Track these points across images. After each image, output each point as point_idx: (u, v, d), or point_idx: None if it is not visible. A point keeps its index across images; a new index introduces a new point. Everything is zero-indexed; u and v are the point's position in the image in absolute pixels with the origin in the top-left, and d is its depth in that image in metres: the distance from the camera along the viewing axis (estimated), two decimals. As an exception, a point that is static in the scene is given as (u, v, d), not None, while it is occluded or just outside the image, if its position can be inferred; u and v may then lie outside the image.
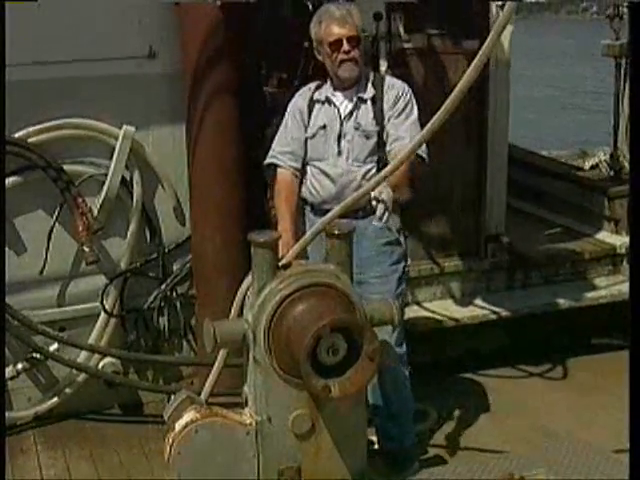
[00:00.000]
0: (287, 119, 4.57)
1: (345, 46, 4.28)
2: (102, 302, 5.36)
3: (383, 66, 5.51)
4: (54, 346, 5.25)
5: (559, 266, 6.60)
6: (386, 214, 4.04)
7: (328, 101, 4.47)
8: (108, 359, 5.41)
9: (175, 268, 5.55)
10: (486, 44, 2.64)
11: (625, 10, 7.17)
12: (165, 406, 3.60)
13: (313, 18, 4.43)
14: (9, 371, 5.24)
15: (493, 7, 5.92)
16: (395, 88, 4.45)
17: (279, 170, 4.53)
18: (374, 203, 3.96)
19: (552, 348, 6.22)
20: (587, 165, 8.77)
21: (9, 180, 5.03)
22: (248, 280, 3.45)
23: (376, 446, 4.74)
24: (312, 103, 4.51)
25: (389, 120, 4.39)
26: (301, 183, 4.54)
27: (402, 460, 4.68)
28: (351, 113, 4.42)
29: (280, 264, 3.38)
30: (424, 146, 4.29)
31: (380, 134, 4.38)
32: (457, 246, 6.33)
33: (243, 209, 5.17)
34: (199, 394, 3.71)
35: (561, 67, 35.98)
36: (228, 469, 3.35)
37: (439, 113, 2.81)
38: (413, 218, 4.74)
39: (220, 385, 3.79)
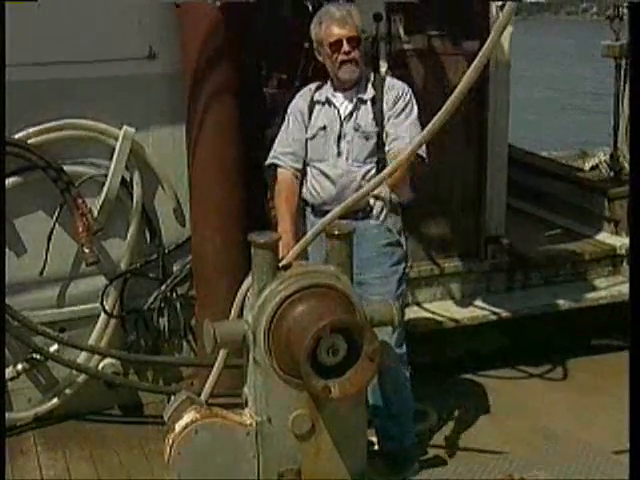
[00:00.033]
0: (288, 120, 4.58)
1: (345, 47, 4.28)
2: (102, 303, 5.36)
3: (383, 67, 5.52)
4: (54, 347, 5.25)
5: (559, 267, 6.60)
6: (384, 212, 4.05)
7: (328, 102, 4.48)
8: (108, 360, 5.41)
9: (175, 269, 5.55)
10: (486, 45, 2.64)
11: (625, 11, 7.17)
12: (165, 407, 3.59)
13: (313, 19, 4.44)
14: (9, 372, 5.24)
15: (493, 8, 5.93)
16: (395, 89, 4.45)
17: (280, 170, 4.53)
18: (372, 201, 3.97)
19: (552, 349, 6.22)
20: (587, 166, 8.76)
21: (9, 181, 5.03)
22: (248, 281, 3.46)
23: (376, 447, 4.74)
24: (312, 104, 4.52)
25: (389, 120, 4.39)
26: (302, 184, 4.54)
27: (402, 460, 4.69)
28: (351, 114, 4.42)
29: (280, 265, 3.38)
30: (423, 146, 4.29)
31: (380, 135, 4.38)
32: (457, 247, 6.33)
33: (243, 210, 5.17)
34: (199, 395, 3.71)
35: (561, 67, 35.99)
36: (228, 470, 3.35)
37: (439, 114, 2.81)
38: (413, 219, 4.73)
39: (220, 386, 3.79)
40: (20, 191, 5.10)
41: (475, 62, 2.65)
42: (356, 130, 4.39)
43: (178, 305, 5.53)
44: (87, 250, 5.16)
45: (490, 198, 6.30)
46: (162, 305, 5.50)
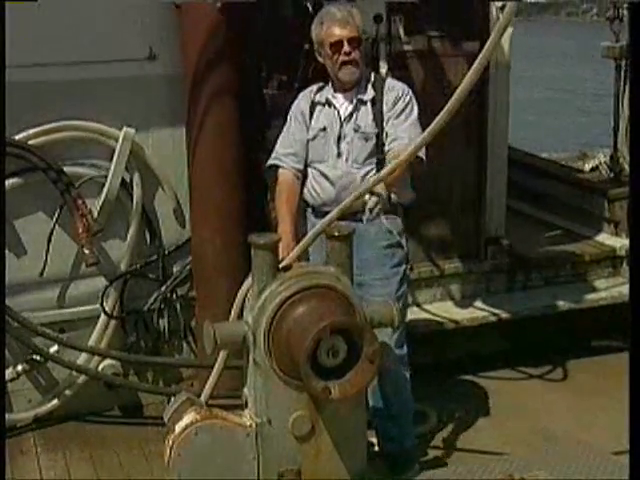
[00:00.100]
0: (289, 121, 4.58)
1: (346, 47, 4.28)
2: (102, 304, 5.36)
3: (383, 68, 5.51)
4: (54, 348, 5.25)
5: (559, 268, 6.60)
6: (377, 207, 4.05)
7: (328, 103, 4.48)
8: (108, 361, 5.41)
9: (175, 270, 5.55)
10: (486, 47, 2.64)
11: (625, 12, 7.18)
12: (165, 408, 3.59)
13: (314, 19, 4.44)
14: (9, 373, 5.23)
15: (493, 9, 5.93)
16: (395, 90, 4.45)
17: (280, 171, 4.53)
18: (367, 196, 3.95)
19: (552, 350, 6.22)
20: (587, 167, 8.76)
21: (9, 182, 5.04)
22: (248, 282, 3.46)
23: (376, 448, 4.74)
24: (313, 105, 4.52)
25: (388, 121, 4.39)
26: (303, 185, 4.54)
27: (402, 461, 4.68)
28: (351, 115, 4.42)
29: (280, 266, 3.38)
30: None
31: (379, 136, 4.38)
32: (457, 248, 6.33)
33: (243, 211, 5.17)
34: (199, 396, 3.71)
35: (562, 68, 35.99)
36: (228, 471, 3.35)
37: (440, 115, 2.81)
38: (413, 220, 4.73)
39: (220, 387, 3.80)
40: (20, 192, 5.10)
41: (475, 64, 2.65)
42: (356, 131, 4.39)
43: (178, 306, 5.53)
44: (87, 251, 5.16)
45: (490, 199, 6.30)
46: (162, 306, 5.49)
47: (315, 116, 4.50)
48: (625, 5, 7.11)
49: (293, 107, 4.60)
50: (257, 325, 3.26)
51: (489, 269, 6.36)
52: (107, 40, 5.09)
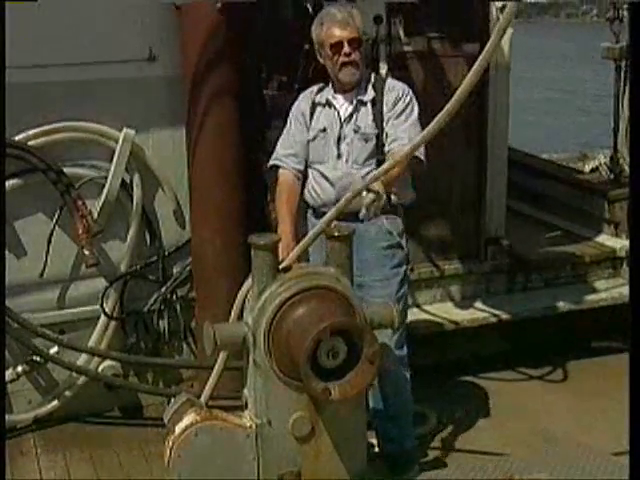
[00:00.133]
0: (290, 122, 4.58)
1: (346, 48, 4.28)
2: (102, 305, 5.36)
3: (383, 69, 5.51)
4: (54, 349, 5.25)
5: (559, 269, 6.60)
6: (374, 204, 4.04)
7: (329, 104, 4.48)
8: (108, 362, 5.41)
9: (175, 271, 5.55)
10: (487, 49, 2.64)
11: (625, 13, 7.18)
12: (165, 409, 3.59)
13: (315, 20, 4.43)
14: (9, 374, 5.23)
15: (493, 10, 5.93)
16: (395, 90, 4.44)
17: (281, 172, 4.53)
18: (364, 193, 3.95)
19: (552, 351, 6.22)
20: (587, 168, 8.77)
21: (9, 183, 5.03)
22: (248, 283, 3.46)
23: (376, 449, 4.74)
24: (314, 106, 4.52)
25: (388, 121, 4.39)
26: (303, 186, 4.54)
27: (402, 462, 4.68)
28: (351, 116, 4.42)
29: (280, 267, 3.38)
30: (422, 147, 4.29)
31: (379, 136, 4.38)
32: (457, 249, 6.33)
33: (243, 211, 5.17)
34: (199, 397, 3.71)
35: (562, 69, 36.03)
36: (228, 472, 3.35)
37: (440, 115, 2.81)
38: (413, 221, 4.73)
39: (220, 388, 3.79)
40: (20, 193, 5.10)
41: (476, 65, 2.65)
42: (356, 132, 4.39)
43: (178, 307, 5.53)
44: (87, 252, 5.16)
45: (490, 200, 6.30)
46: (162, 307, 5.49)
47: (315, 117, 4.50)
48: (625, 6, 7.11)
49: (293, 108, 4.60)
50: (257, 326, 3.26)
51: (489, 270, 6.36)
52: (107, 41, 5.09)
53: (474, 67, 2.65)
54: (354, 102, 4.42)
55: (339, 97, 4.47)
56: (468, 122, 6.06)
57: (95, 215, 5.22)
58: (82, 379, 5.37)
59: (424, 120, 4.12)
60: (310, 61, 4.86)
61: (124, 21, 5.12)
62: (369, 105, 4.41)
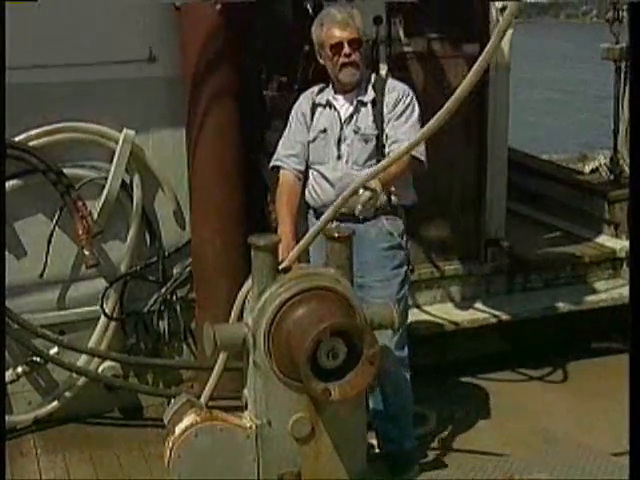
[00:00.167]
0: (291, 122, 4.58)
1: (346, 49, 4.28)
2: (102, 305, 5.36)
3: (383, 70, 5.51)
4: (54, 350, 5.25)
5: (559, 270, 6.60)
6: (371, 202, 4.04)
7: (329, 104, 4.48)
8: (108, 363, 5.41)
9: (175, 271, 5.55)
10: (487, 49, 2.64)
11: (625, 14, 7.18)
12: (165, 409, 3.59)
13: (315, 21, 4.44)
14: (9, 375, 5.23)
15: (493, 10, 5.93)
16: (396, 91, 4.44)
17: (282, 172, 4.53)
18: (361, 191, 3.94)
19: (552, 351, 6.22)
20: (587, 169, 8.77)
21: (9, 183, 5.03)
22: (248, 283, 3.46)
23: (376, 449, 4.74)
24: (314, 106, 4.52)
25: (389, 123, 4.38)
26: (304, 186, 4.54)
27: (402, 463, 4.68)
28: (351, 116, 4.42)
29: (280, 267, 3.38)
30: (422, 149, 4.30)
31: (379, 137, 4.38)
32: (457, 250, 6.33)
33: (243, 212, 5.17)
34: (199, 398, 3.71)
35: (562, 70, 36.03)
36: (228, 472, 3.35)
37: (439, 114, 2.81)
38: (414, 221, 4.73)
39: (220, 389, 3.79)
40: (20, 194, 5.10)
41: (476, 65, 2.65)
42: (356, 133, 4.39)
43: (178, 308, 5.53)
44: (87, 253, 5.16)
45: (490, 201, 6.30)
46: (162, 308, 5.49)
47: (316, 118, 4.50)
48: (625, 7, 7.11)
49: (294, 109, 4.60)
50: (257, 327, 3.26)
51: (489, 271, 6.36)
52: (107, 41, 5.09)
53: (474, 67, 2.65)
54: (354, 103, 4.42)
55: (339, 98, 4.47)
56: (468, 121, 6.06)
57: (95, 216, 5.23)
58: (82, 380, 5.37)
59: (425, 121, 4.11)
60: (310, 62, 4.86)
61: (124, 21, 5.12)
62: (369, 106, 4.41)
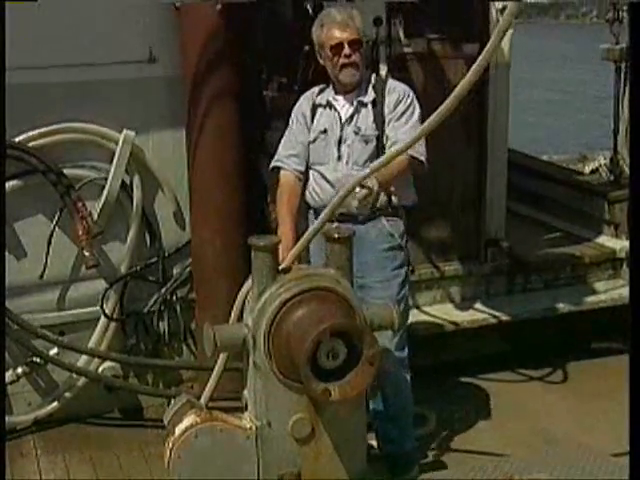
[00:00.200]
0: (291, 123, 4.58)
1: (346, 50, 4.28)
2: (102, 306, 5.36)
3: (383, 70, 5.51)
4: (54, 350, 5.26)
5: (559, 270, 6.60)
6: (367, 200, 4.04)
7: (329, 105, 4.47)
8: (108, 363, 5.41)
9: (175, 272, 5.55)
10: (487, 48, 2.64)
11: (625, 14, 7.18)
12: (165, 410, 3.59)
13: (315, 21, 4.43)
14: (9, 375, 5.23)
15: (493, 10, 5.92)
16: (396, 91, 4.44)
17: (282, 173, 4.53)
18: (358, 189, 3.94)
19: (552, 352, 6.22)
20: (587, 169, 8.77)
21: (9, 184, 5.04)
22: (248, 284, 3.46)
23: (377, 450, 4.74)
24: (315, 107, 4.51)
25: (389, 123, 4.38)
26: (305, 187, 4.54)
27: (403, 464, 4.68)
28: (351, 117, 4.41)
29: (280, 268, 3.38)
30: (423, 149, 4.30)
31: (380, 138, 4.37)
32: (457, 250, 6.33)
33: (243, 212, 5.17)
34: (199, 398, 3.71)
35: (562, 71, 36.04)
36: (228, 473, 3.35)
37: (438, 111, 2.81)
38: (413, 222, 4.73)
39: (220, 389, 3.79)
40: (20, 194, 5.10)
41: (475, 65, 2.65)
42: (356, 133, 4.38)
43: (178, 308, 5.53)
44: (87, 253, 5.16)
45: (490, 201, 6.30)
46: (162, 308, 5.50)
47: (316, 118, 4.50)
48: (625, 7, 7.11)
49: (295, 109, 4.59)
50: (257, 327, 3.26)
51: (489, 271, 6.36)
52: (107, 42, 5.09)
53: (474, 66, 2.65)
54: (355, 103, 4.42)
55: (340, 98, 4.46)
56: (468, 122, 6.06)
57: (95, 216, 5.23)
58: (82, 380, 5.38)
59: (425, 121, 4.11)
60: (310, 62, 4.86)
61: (124, 22, 5.12)
62: (370, 106, 4.41)
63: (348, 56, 4.29)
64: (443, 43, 5.96)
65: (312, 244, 4.38)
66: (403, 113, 4.39)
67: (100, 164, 5.27)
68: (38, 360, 5.25)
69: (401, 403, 4.63)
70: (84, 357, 5.36)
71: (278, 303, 3.24)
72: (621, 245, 6.71)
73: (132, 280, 5.47)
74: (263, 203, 5.33)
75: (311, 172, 4.52)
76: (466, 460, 4.93)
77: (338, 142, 4.41)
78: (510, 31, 5.84)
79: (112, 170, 5.22)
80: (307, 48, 4.82)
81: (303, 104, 4.57)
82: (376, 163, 3.55)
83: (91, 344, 5.38)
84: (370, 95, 4.42)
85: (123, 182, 5.29)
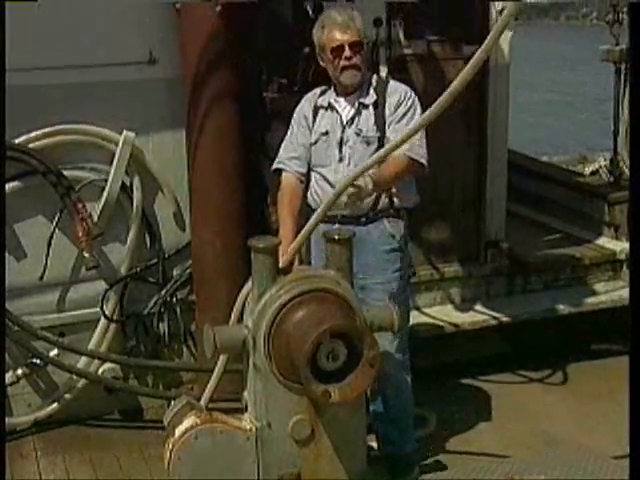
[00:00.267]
0: (293, 125, 4.57)
1: (347, 52, 4.27)
2: (102, 307, 5.36)
3: (383, 72, 5.51)
4: (54, 352, 5.26)
5: (559, 272, 6.59)
6: (354, 197, 4.04)
7: (331, 107, 4.47)
8: (108, 365, 5.41)
9: (175, 273, 5.55)
10: (486, 42, 2.64)
11: (624, 16, 7.18)
12: (165, 412, 3.59)
13: (316, 23, 4.43)
14: (9, 377, 5.23)
15: (493, 11, 5.92)
16: (397, 93, 4.43)
17: (284, 175, 4.52)
18: (350, 189, 3.94)
19: (552, 353, 6.21)
20: (587, 171, 8.77)
21: (9, 185, 5.04)
22: (248, 285, 3.46)
23: (377, 452, 4.73)
24: (316, 109, 4.51)
25: (390, 125, 4.37)
26: (306, 189, 4.54)
27: (403, 465, 4.68)
28: (353, 119, 4.41)
29: (279, 265, 3.38)
30: (423, 151, 4.30)
31: (381, 140, 4.37)
32: (457, 251, 6.32)
33: (243, 213, 5.17)
34: (199, 400, 3.71)
35: (562, 72, 36.04)
36: (228, 474, 3.35)
37: (432, 107, 2.85)
38: (414, 223, 4.73)
39: (220, 391, 3.79)
40: (20, 196, 5.10)
41: (472, 60, 2.66)
42: (357, 135, 4.37)
43: (178, 310, 5.53)
44: (87, 255, 5.17)
45: (490, 202, 6.30)
46: (162, 310, 5.49)
47: (318, 120, 4.49)
48: (624, 9, 7.12)
49: (296, 111, 4.58)
50: (257, 329, 3.26)
51: (489, 272, 6.36)
52: (107, 43, 5.09)
53: (471, 61, 2.66)
54: (356, 105, 4.41)
55: (341, 100, 4.46)
56: (468, 123, 6.07)
57: (95, 218, 5.23)
58: (82, 382, 5.37)
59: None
60: (310, 63, 4.86)
61: (124, 22, 5.12)
62: (371, 108, 4.40)
63: (349, 58, 4.28)
64: (443, 44, 5.95)
65: (313, 246, 4.40)
66: (404, 115, 4.38)
67: (100, 165, 5.27)
68: (38, 361, 5.25)
69: (401, 405, 4.62)
70: (84, 358, 5.35)
71: (278, 304, 3.24)
72: (621, 247, 6.70)
73: (132, 281, 5.47)
74: (263, 204, 5.33)
75: (312, 174, 4.51)
76: (466, 461, 4.93)
77: (339, 144, 4.40)
78: (510, 33, 5.86)
79: (112, 171, 5.22)
80: (307, 49, 4.81)
81: (304, 106, 4.57)
82: (368, 161, 3.55)
83: (91, 345, 5.38)
84: (371, 97, 4.41)
85: (123, 183, 5.29)
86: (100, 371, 5.40)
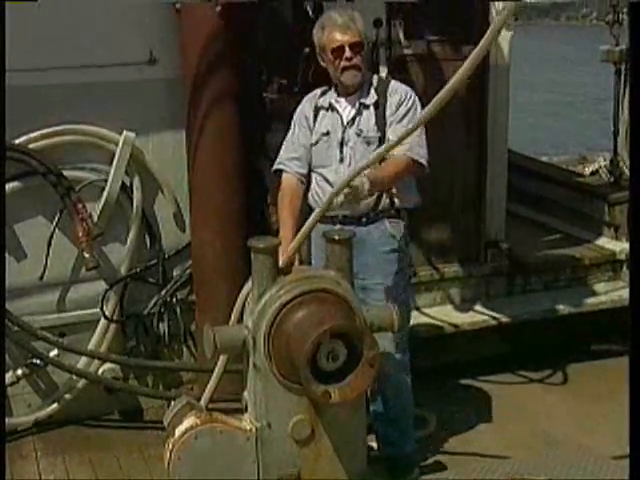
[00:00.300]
0: (294, 125, 4.56)
1: (347, 53, 4.26)
2: (102, 308, 5.36)
3: (383, 72, 5.51)
4: (54, 352, 5.25)
5: (559, 272, 6.59)
6: (349, 197, 4.03)
7: (331, 107, 4.46)
8: (108, 365, 5.41)
9: (175, 274, 5.55)
10: (484, 39, 2.64)
11: (624, 16, 7.18)
12: (165, 412, 3.59)
13: (316, 24, 4.42)
14: (9, 377, 5.23)
15: (493, 12, 5.92)
16: (398, 93, 4.42)
17: (284, 175, 4.52)
18: (346, 190, 3.94)
19: (552, 354, 6.21)
20: (587, 171, 8.76)
21: (9, 186, 5.03)
22: (248, 286, 3.46)
23: (377, 452, 4.73)
24: (317, 109, 4.50)
25: (391, 125, 4.37)
26: (307, 190, 4.54)
27: (403, 466, 4.68)
28: (353, 119, 4.40)
29: (279, 264, 3.39)
30: (424, 151, 4.30)
31: (382, 140, 4.36)
32: (457, 252, 6.32)
33: (243, 214, 5.17)
34: (199, 400, 3.71)
35: (562, 72, 36.05)
36: (228, 475, 3.35)
37: (429, 106, 2.84)
38: (413, 224, 4.73)
39: (220, 391, 3.79)
40: (20, 196, 5.10)
41: (471, 57, 2.66)
42: (358, 135, 4.37)
43: (178, 310, 5.53)
44: (87, 255, 5.16)
45: (490, 203, 6.30)
46: (162, 310, 5.49)
47: (318, 120, 4.49)
48: (624, 9, 7.12)
49: (297, 111, 4.58)
50: (257, 329, 3.26)
51: (489, 273, 6.36)
52: (107, 43, 5.09)
53: (470, 57, 2.66)
54: (357, 105, 4.41)
55: (342, 100, 4.45)
56: (468, 123, 6.07)
57: (95, 218, 5.23)
58: (82, 382, 5.37)
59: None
60: (310, 64, 4.86)
61: (124, 22, 5.11)
62: (372, 108, 4.39)
63: (349, 59, 4.28)
64: (443, 45, 5.95)
65: (313, 247, 4.40)
66: (405, 115, 4.38)
67: (100, 166, 5.27)
68: (38, 362, 5.25)
69: (401, 405, 4.62)
70: (84, 359, 5.35)
71: (278, 305, 3.25)
72: (621, 247, 6.70)
73: (132, 282, 5.46)
74: (263, 205, 5.33)
75: (313, 174, 4.51)
76: (466, 462, 4.93)
77: (340, 144, 4.40)
78: (510, 33, 5.86)
79: (112, 172, 5.22)
80: (307, 50, 4.81)
81: (305, 106, 4.56)
82: (363, 163, 3.55)
83: (91, 346, 5.38)
84: (372, 97, 4.41)
85: (123, 184, 5.29)
86: (100, 371, 5.40)
